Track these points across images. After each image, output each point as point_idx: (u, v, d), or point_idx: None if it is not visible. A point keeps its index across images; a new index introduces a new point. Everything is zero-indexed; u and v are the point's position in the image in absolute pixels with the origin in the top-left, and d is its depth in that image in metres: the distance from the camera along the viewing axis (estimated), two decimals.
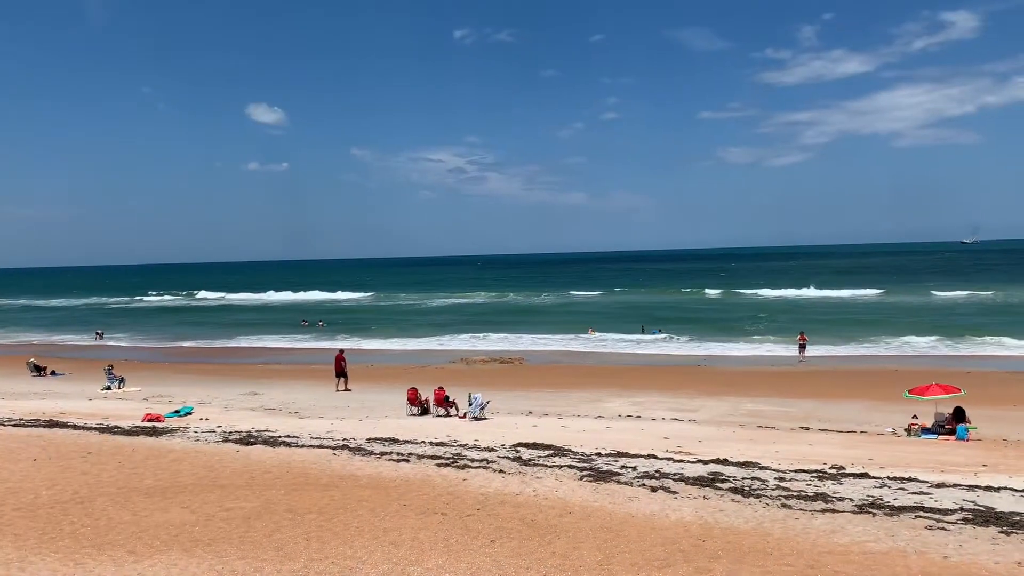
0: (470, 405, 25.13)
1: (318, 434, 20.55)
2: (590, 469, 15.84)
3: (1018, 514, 12.47)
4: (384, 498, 13.13)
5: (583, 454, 17.61)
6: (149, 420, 23.74)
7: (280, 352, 53.26)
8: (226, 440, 19.13)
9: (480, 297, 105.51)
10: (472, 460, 16.67)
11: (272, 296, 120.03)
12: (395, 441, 19.35)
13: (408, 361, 44.65)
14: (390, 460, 16.52)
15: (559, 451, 18.05)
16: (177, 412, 25.79)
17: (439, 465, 16.06)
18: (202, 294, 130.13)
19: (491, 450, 18.12)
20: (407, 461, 16.49)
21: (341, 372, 34.03)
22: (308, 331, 66.22)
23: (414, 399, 26.86)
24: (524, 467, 16.03)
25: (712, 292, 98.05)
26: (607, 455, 17.54)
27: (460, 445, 18.93)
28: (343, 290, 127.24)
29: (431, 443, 19.19)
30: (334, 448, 17.99)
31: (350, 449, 17.88)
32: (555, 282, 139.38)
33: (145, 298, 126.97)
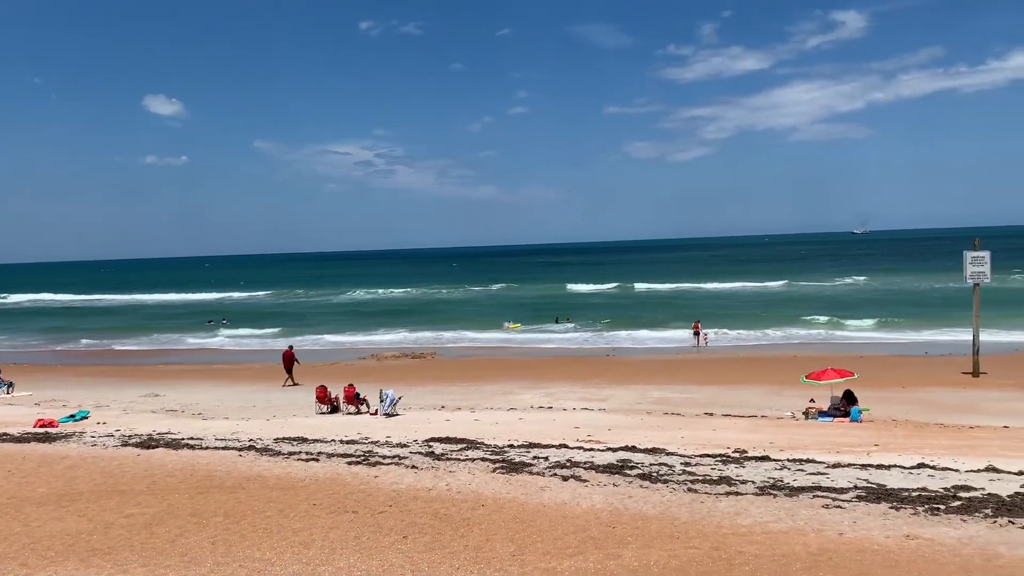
0: (381, 402, 24.90)
1: (223, 435, 19.98)
2: (503, 461, 15.93)
3: (906, 490, 13.19)
4: (293, 498, 12.89)
5: (496, 446, 17.69)
6: (41, 426, 22.60)
7: (182, 352, 51.54)
8: (125, 444, 18.39)
9: (391, 292, 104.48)
10: (384, 457, 16.54)
11: (173, 296, 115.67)
12: (304, 440, 19.00)
13: (316, 358, 43.86)
14: (299, 460, 16.22)
15: (472, 444, 18.08)
16: (72, 416, 24.64)
17: (350, 463, 15.86)
18: (101, 295, 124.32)
19: (403, 446, 18.02)
20: (317, 460, 16.22)
21: (289, 368, 34.39)
22: (211, 329, 64.27)
23: (323, 397, 26.42)
24: (437, 462, 16.00)
25: (621, 284, 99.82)
26: (519, 446, 17.68)
27: (371, 442, 18.74)
28: (248, 287, 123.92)
29: (341, 441, 18.93)
30: (240, 449, 17.54)
31: (257, 450, 17.46)
32: (468, 276, 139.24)
33: (35, 296, 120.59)
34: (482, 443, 18.15)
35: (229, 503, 12.61)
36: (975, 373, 30.25)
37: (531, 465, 15.57)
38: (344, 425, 22.32)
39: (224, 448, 17.72)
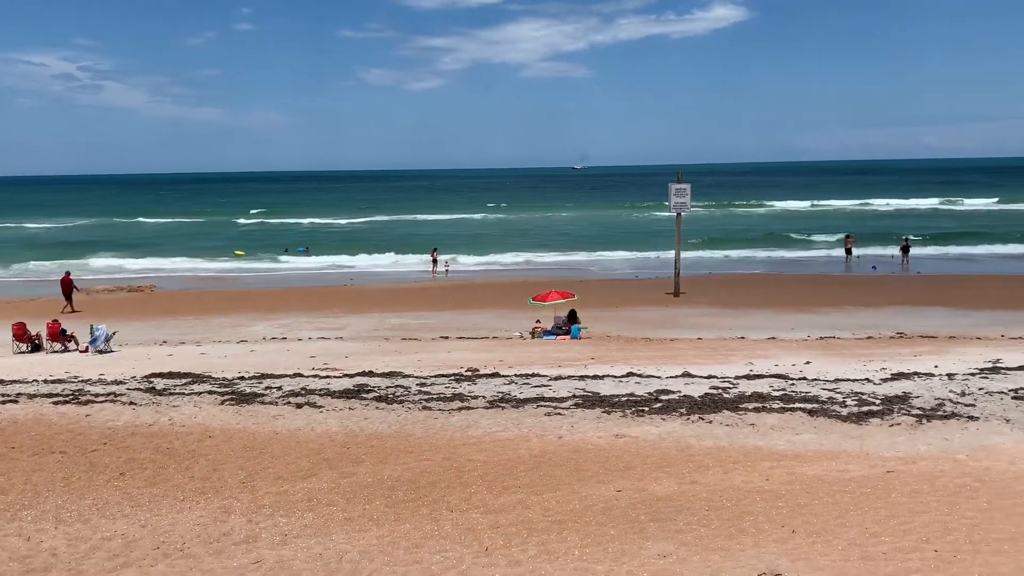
0: (93, 339, 22.76)
1: None
2: (232, 393, 15.38)
3: (617, 396, 14.58)
4: None
5: (225, 379, 17.00)
6: None
7: None
8: None
9: (99, 219, 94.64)
10: (97, 395, 15.26)
11: None
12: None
13: (10, 293, 38.96)
14: None
15: (198, 378, 17.20)
16: None
17: (56, 403, 14.48)
18: None
19: (120, 383, 16.71)
20: (15, 401, 14.61)
21: (68, 295, 32.92)
22: None
23: (21, 335, 23.60)
24: (158, 397, 15.08)
25: (359, 213, 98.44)
26: (251, 378, 17.13)
27: (82, 381, 17.18)
28: None
29: (46, 381, 17.15)
30: None
31: None
32: (189, 203, 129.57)
33: None
34: (209, 376, 17.32)
35: None
36: (676, 293, 33.76)
37: (263, 395, 15.18)
38: (49, 364, 20.21)
39: None
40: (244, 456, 10.87)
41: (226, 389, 15.78)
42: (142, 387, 16.13)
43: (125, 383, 16.61)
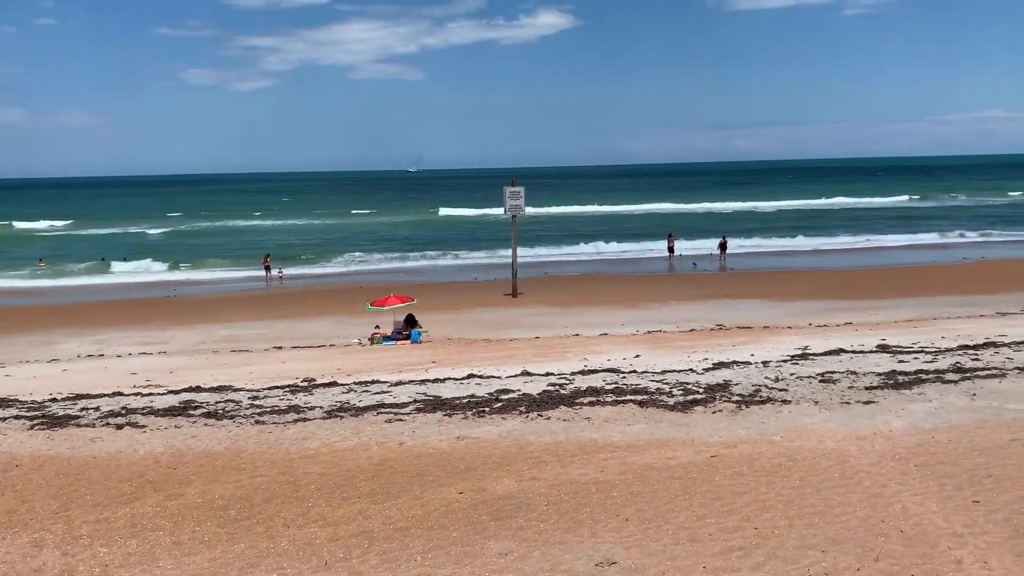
0: None
1: None
2: (43, 417, 14.23)
3: (458, 399, 14.63)
4: None
5: (34, 402, 15.67)
6: None
7: None
8: None
9: None
10: None
11: None
12: None
13: None
14: None
15: (3, 403, 15.78)
16: None
17: None
18: None
19: None
20: None
21: None
22: None
23: None
24: None
25: (179, 222, 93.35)
26: (64, 399, 15.88)
27: None
28: None
29: None
30: None
31: None
32: None
33: None
34: (16, 400, 15.91)
35: None
36: (514, 294, 34.35)
37: (78, 417, 14.12)
38: None
39: None
40: (57, 484, 10.04)
41: (35, 413, 14.55)
42: None
43: None
